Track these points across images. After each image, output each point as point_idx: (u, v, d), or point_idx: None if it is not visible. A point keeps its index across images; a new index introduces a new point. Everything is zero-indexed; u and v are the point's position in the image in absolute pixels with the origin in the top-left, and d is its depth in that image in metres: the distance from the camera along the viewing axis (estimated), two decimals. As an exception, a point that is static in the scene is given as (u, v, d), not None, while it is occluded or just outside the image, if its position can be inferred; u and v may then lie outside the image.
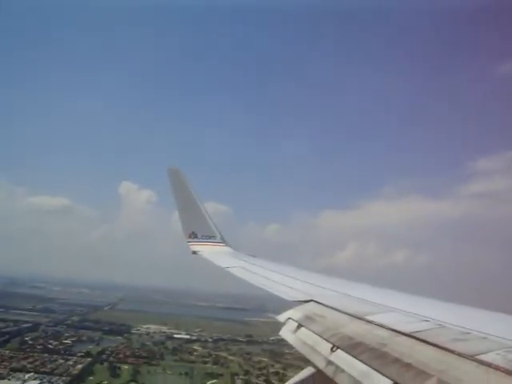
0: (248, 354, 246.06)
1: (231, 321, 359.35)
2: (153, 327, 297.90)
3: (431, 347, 5.44)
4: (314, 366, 7.13)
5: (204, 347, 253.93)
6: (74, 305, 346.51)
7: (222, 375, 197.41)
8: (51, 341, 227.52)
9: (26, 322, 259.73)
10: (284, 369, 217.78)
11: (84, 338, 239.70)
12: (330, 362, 6.44)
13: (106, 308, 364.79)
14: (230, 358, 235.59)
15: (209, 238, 22.25)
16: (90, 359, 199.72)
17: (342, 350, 6.47)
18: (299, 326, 8.26)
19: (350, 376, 5.79)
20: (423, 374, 4.83)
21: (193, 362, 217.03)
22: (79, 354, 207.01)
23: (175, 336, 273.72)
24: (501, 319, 6.97)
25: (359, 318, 7.52)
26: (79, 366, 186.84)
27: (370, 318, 7.37)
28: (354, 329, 7.09)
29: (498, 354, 4.80)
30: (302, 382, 8.00)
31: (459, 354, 4.95)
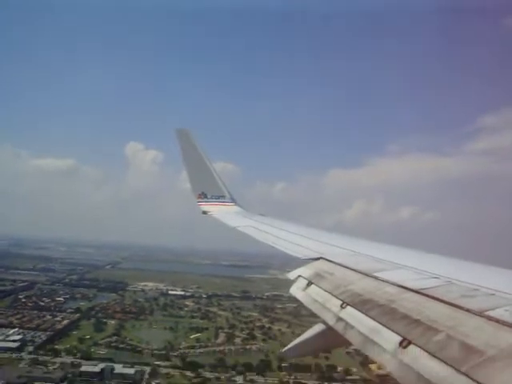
0: (239, 309, 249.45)
1: (231, 278, 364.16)
2: (150, 284, 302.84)
3: (440, 303, 5.43)
4: (324, 323, 7.08)
5: (196, 303, 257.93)
6: (75, 264, 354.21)
7: (207, 329, 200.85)
8: (44, 298, 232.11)
9: (24, 281, 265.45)
10: (271, 323, 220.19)
11: (78, 296, 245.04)
12: (339, 319, 6.41)
13: (107, 267, 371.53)
14: (220, 313, 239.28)
15: (218, 197, 22.09)
16: (77, 315, 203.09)
17: (352, 306, 6.44)
18: (309, 283, 8.30)
19: (360, 332, 5.77)
20: (432, 329, 4.84)
21: (181, 317, 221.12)
22: (69, 311, 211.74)
23: (170, 292, 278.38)
24: (509, 275, 6.86)
25: (368, 275, 7.44)
26: (65, 322, 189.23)
27: (379, 275, 7.28)
28: (363, 286, 7.05)
29: (506, 310, 4.79)
30: (313, 339, 7.85)
31: (468, 310, 4.97)
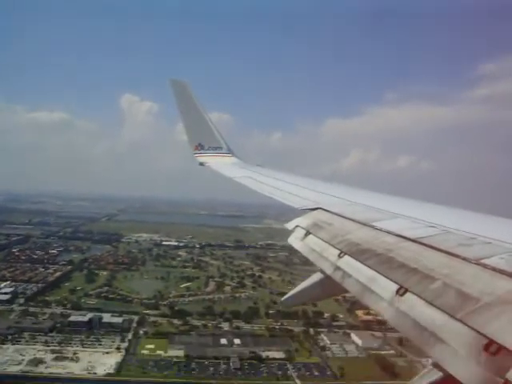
0: (231, 258, 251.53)
1: (226, 228, 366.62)
2: (144, 235, 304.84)
3: (437, 252, 5.49)
4: (322, 272, 7.19)
5: (189, 253, 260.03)
6: (71, 217, 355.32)
7: (197, 278, 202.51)
8: (38, 251, 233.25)
9: (19, 235, 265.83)
10: (262, 271, 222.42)
11: (71, 248, 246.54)
12: (337, 268, 6.54)
13: (102, 219, 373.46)
14: (212, 262, 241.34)
15: (215, 149, 22.21)
16: (70, 267, 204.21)
17: (349, 255, 6.53)
18: (307, 233, 8.33)
19: (357, 281, 5.88)
20: (428, 278, 4.94)
21: (173, 266, 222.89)
22: (61, 263, 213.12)
23: (163, 243, 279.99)
24: (506, 224, 6.91)
25: (366, 225, 7.49)
26: (57, 274, 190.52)
27: (376, 224, 7.33)
28: (361, 235, 7.11)
29: (501, 258, 4.84)
30: (311, 288, 7.94)
31: (464, 259, 5.04)
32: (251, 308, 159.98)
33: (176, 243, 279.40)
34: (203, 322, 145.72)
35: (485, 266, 4.75)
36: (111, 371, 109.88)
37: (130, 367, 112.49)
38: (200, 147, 22.44)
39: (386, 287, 5.27)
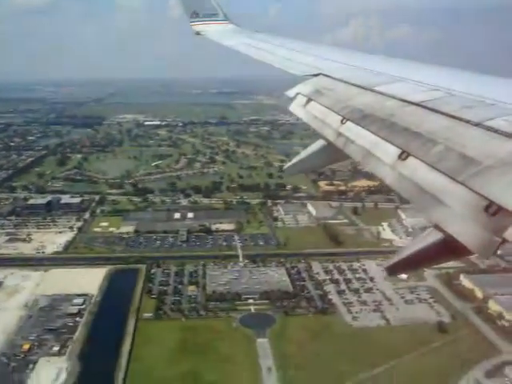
0: (210, 134, 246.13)
1: (215, 105, 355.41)
2: (128, 117, 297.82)
3: (440, 116, 5.42)
4: (325, 139, 7.15)
5: (170, 132, 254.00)
6: (58, 103, 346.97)
7: (170, 156, 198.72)
8: (15, 139, 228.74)
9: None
10: (237, 146, 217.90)
11: (51, 134, 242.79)
12: (340, 134, 6.49)
13: (90, 103, 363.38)
14: (190, 139, 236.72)
15: (211, 16, 21.15)
16: (44, 152, 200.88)
17: (352, 121, 6.46)
18: (308, 100, 8.16)
19: (360, 146, 5.84)
20: (431, 141, 4.90)
21: (149, 146, 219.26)
22: (37, 149, 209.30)
23: (146, 123, 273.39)
24: (510, 85, 6.69)
25: (369, 90, 7.35)
26: (29, 160, 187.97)
27: (379, 88, 7.19)
28: (364, 100, 7.01)
29: (505, 119, 4.75)
30: (312, 156, 7.97)
31: (467, 122, 4.96)
32: (215, 183, 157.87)
33: (158, 123, 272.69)
34: (163, 198, 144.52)
35: (488, 128, 4.62)
36: (60, 250, 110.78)
37: (78, 244, 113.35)
38: (195, 15, 21.17)
39: (388, 152, 5.22)
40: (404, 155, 4.98)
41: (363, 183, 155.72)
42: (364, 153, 5.67)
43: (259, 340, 77.71)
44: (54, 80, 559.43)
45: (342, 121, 6.64)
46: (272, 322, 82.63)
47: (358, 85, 7.72)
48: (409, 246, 4.80)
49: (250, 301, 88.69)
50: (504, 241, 3.51)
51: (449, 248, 4.22)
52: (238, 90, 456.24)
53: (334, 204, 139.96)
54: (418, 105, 5.96)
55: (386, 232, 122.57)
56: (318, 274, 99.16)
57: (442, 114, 5.41)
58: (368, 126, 6.03)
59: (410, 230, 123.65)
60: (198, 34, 20.54)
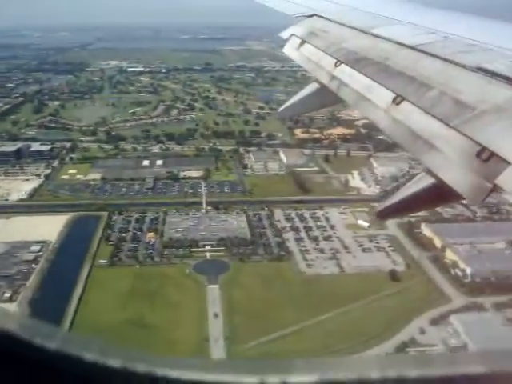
0: (193, 81, 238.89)
1: (202, 51, 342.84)
2: (112, 63, 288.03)
3: (435, 59, 5.30)
4: (318, 82, 7.05)
5: (152, 78, 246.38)
6: (42, 49, 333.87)
7: (149, 103, 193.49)
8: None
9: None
10: (218, 93, 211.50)
11: (30, 81, 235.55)
12: (333, 77, 6.39)
13: (75, 49, 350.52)
14: (172, 86, 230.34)
15: None
16: (21, 99, 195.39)
17: (346, 64, 6.35)
18: (302, 42, 8.06)
19: (353, 90, 5.77)
20: (425, 86, 4.81)
21: (128, 92, 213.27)
22: (14, 96, 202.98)
23: (129, 70, 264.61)
24: (509, 29, 6.50)
25: (364, 32, 7.22)
26: (5, 107, 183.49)
27: (374, 31, 7.04)
28: (358, 43, 6.91)
29: (501, 63, 4.64)
30: (306, 98, 7.88)
31: (463, 66, 4.84)
32: (189, 130, 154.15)
33: (142, 69, 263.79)
34: (135, 145, 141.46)
35: (484, 72, 4.51)
36: (24, 197, 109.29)
37: (44, 192, 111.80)
38: None
39: (382, 96, 5.14)
40: (398, 99, 4.90)
41: (339, 131, 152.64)
42: (358, 96, 5.60)
43: (210, 286, 77.67)
44: (43, 25, 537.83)
45: (335, 63, 6.51)
46: (226, 269, 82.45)
47: (354, 27, 7.56)
48: (400, 191, 4.73)
49: (207, 247, 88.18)
50: (495, 187, 3.46)
51: (440, 193, 4.17)
52: (229, 35, 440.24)
53: (307, 152, 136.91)
54: (413, 48, 5.82)
55: (356, 180, 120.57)
56: (278, 221, 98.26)
57: (438, 57, 5.27)
58: (362, 69, 5.91)
59: (380, 178, 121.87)
60: None
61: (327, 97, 6.88)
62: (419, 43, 5.85)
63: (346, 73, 6.16)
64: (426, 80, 4.90)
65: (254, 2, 12.60)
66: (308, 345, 63.29)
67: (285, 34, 8.77)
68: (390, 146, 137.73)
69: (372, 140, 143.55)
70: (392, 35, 6.50)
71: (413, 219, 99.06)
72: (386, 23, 7.38)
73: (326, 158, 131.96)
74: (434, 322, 71.09)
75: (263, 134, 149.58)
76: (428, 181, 4.25)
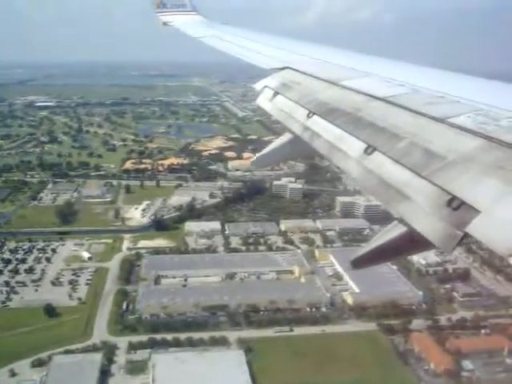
0: (88, 115, 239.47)
1: (138, 86, 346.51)
2: (31, 98, 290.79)
3: (405, 111, 5.44)
4: (291, 132, 7.21)
5: (51, 113, 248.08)
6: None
7: (18, 136, 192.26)
8: None
9: None
10: (99, 126, 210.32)
11: None
12: (306, 128, 6.51)
13: (11, 85, 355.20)
14: (61, 120, 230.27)
15: (178, 6, 21.40)
16: None
17: (318, 115, 6.46)
18: (275, 93, 8.18)
19: (326, 140, 5.83)
20: (396, 137, 4.91)
21: (10, 126, 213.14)
22: None
23: (38, 104, 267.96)
24: (475, 82, 6.80)
25: (335, 84, 7.34)
26: None
27: (345, 83, 7.18)
28: (330, 94, 7.02)
29: (468, 116, 4.78)
30: (280, 149, 7.95)
31: (432, 118, 4.98)
32: (23, 162, 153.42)
33: (51, 104, 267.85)
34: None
35: (451, 124, 4.64)
36: None
37: None
38: (162, 5, 21.46)
39: (354, 146, 5.19)
40: (370, 150, 4.93)
41: (170, 161, 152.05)
42: (330, 147, 5.59)
43: None
44: (11, 61, 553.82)
45: (308, 114, 6.58)
46: None
47: (325, 79, 7.66)
48: (374, 240, 4.78)
49: None
50: (466, 235, 3.49)
51: (412, 241, 4.21)
52: (180, 72, 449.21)
53: (116, 183, 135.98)
54: (383, 100, 5.90)
55: (135, 211, 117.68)
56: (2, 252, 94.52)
57: (407, 109, 5.36)
58: (334, 120, 5.96)
59: (165, 208, 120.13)
60: (165, 24, 20.54)
61: (301, 147, 6.87)
62: (389, 95, 5.95)
63: (318, 124, 6.20)
64: (397, 131, 4.95)
65: (232, 57, 12.47)
66: None
67: (258, 86, 8.77)
68: (212, 176, 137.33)
69: (201, 170, 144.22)
70: (362, 87, 6.60)
71: (138, 251, 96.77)
72: (356, 75, 7.50)
73: (127, 189, 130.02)
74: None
75: (91, 166, 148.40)
76: (401, 229, 4.31)
